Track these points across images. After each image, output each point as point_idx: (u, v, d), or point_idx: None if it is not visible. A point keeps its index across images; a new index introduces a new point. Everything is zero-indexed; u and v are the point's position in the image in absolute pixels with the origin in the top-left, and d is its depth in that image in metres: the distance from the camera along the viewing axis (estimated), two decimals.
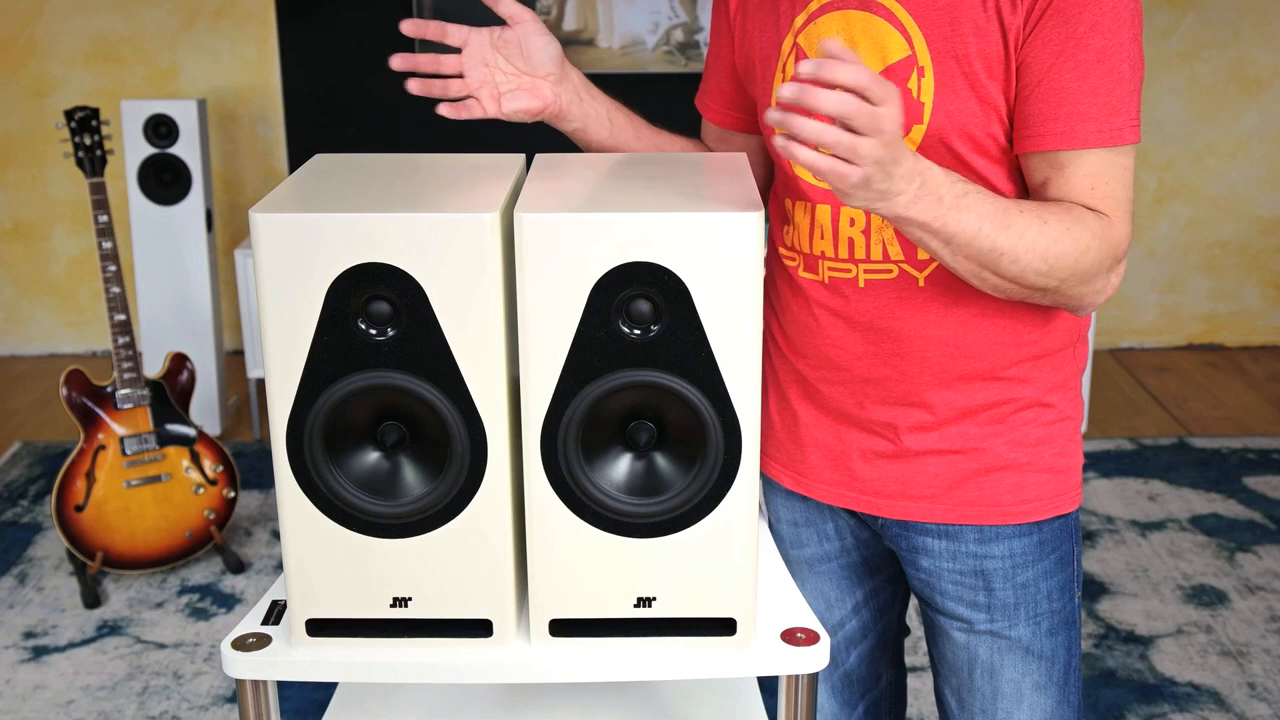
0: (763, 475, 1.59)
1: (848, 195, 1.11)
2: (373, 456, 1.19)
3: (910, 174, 1.12)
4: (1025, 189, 1.34)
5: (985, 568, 1.43)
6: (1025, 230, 1.22)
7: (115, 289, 3.10)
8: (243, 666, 1.24)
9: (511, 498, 1.20)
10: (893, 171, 1.10)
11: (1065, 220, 1.25)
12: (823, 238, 1.38)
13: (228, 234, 4.63)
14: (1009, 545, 1.42)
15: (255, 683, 1.26)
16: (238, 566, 3.21)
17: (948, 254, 1.23)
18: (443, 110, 1.41)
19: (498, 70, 1.42)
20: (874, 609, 1.60)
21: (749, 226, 1.12)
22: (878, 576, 1.58)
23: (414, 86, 1.42)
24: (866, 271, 1.37)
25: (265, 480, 3.72)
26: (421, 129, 4.58)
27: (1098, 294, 1.30)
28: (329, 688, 1.57)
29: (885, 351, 1.39)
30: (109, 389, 3.08)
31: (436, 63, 1.40)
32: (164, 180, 3.90)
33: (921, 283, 1.35)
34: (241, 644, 1.25)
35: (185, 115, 3.86)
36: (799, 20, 1.37)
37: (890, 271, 1.36)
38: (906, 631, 1.69)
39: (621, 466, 1.19)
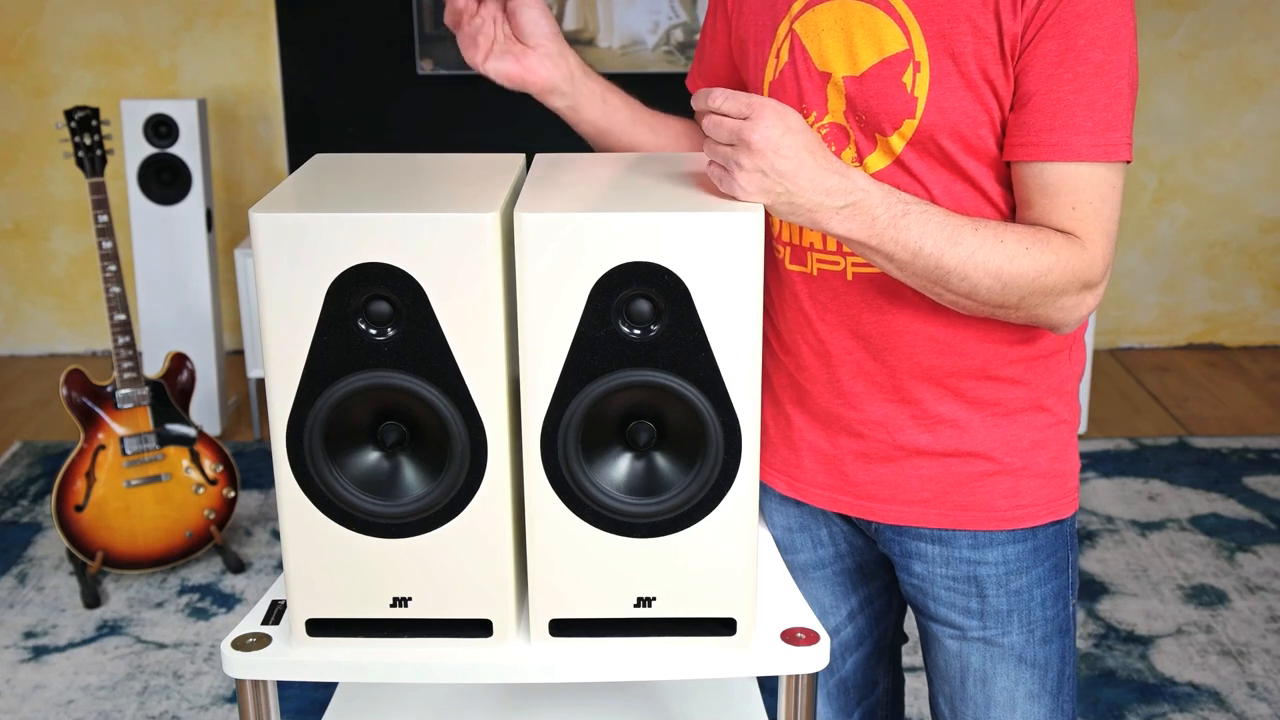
0: None
1: (743, 191, 1.19)
2: (373, 456, 1.19)
3: (828, 189, 1.21)
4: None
5: (978, 574, 1.42)
6: (976, 249, 1.24)
7: (115, 289, 3.10)
8: (243, 666, 1.24)
9: (511, 498, 1.20)
10: (783, 178, 1.18)
11: (1026, 240, 1.25)
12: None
13: (228, 234, 4.63)
14: (1003, 551, 1.42)
15: (255, 683, 1.26)
16: (238, 566, 3.21)
17: (894, 269, 1.26)
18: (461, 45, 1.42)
19: (499, 30, 1.41)
20: (870, 615, 1.59)
21: (749, 226, 1.12)
22: (873, 583, 1.57)
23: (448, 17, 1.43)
24: (854, 265, 1.37)
25: (265, 480, 3.72)
26: (420, 129, 4.58)
27: (1066, 311, 1.29)
28: (329, 688, 1.57)
29: (874, 346, 1.39)
30: (109, 389, 3.07)
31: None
32: (164, 180, 3.90)
33: None
34: (241, 644, 1.25)
35: (185, 115, 3.86)
36: (796, 7, 1.36)
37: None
38: (904, 639, 1.69)
39: (621, 466, 1.19)
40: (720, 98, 1.21)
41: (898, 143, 1.30)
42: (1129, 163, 1.28)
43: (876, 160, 1.32)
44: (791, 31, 1.36)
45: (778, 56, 1.38)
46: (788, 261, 1.42)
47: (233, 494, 3.20)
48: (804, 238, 1.39)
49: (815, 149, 1.20)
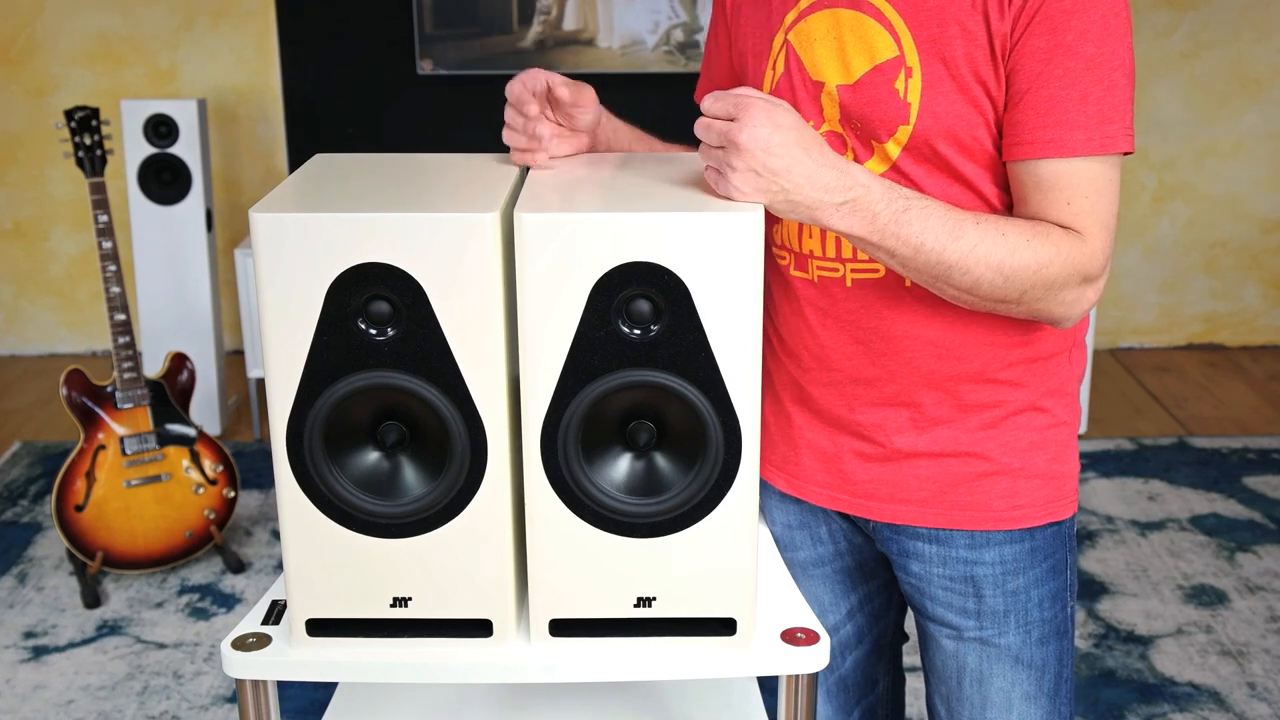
0: None
1: (738, 193, 1.19)
2: (373, 456, 1.19)
3: (825, 185, 1.20)
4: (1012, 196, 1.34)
5: (975, 574, 1.42)
6: (978, 243, 1.24)
7: (115, 289, 3.10)
8: (243, 666, 1.24)
9: (511, 498, 1.20)
10: (776, 176, 1.18)
11: (1027, 233, 1.25)
12: (811, 236, 1.38)
13: (228, 234, 4.63)
14: (1000, 551, 1.42)
15: (255, 683, 1.26)
16: (238, 566, 3.21)
17: (896, 265, 1.27)
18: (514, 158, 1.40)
19: (543, 119, 1.41)
20: (869, 614, 1.59)
21: (749, 226, 1.12)
22: (873, 581, 1.57)
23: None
24: (854, 271, 1.37)
25: (265, 480, 3.72)
26: (420, 129, 4.58)
27: (1067, 306, 1.29)
28: (329, 688, 1.57)
29: (874, 351, 1.39)
30: (109, 389, 3.07)
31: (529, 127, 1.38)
32: (164, 180, 3.90)
33: (908, 283, 1.35)
34: (241, 644, 1.25)
35: (185, 115, 3.86)
36: (789, 18, 1.37)
37: (877, 271, 1.35)
38: (905, 638, 1.68)
39: (621, 466, 1.19)
40: (709, 100, 1.21)
41: (894, 149, 1.30)
42: (1129, 154, 1.28)
43: (874, 167, 1.32)
44: (786, 43, 1.37)
45: (774, 68, 1.39)
46: (792, 268, 1.42)
47: (233, 494, 3.20)
48: (803, 245, 1.39)
49: (809, 144, 1.20)
